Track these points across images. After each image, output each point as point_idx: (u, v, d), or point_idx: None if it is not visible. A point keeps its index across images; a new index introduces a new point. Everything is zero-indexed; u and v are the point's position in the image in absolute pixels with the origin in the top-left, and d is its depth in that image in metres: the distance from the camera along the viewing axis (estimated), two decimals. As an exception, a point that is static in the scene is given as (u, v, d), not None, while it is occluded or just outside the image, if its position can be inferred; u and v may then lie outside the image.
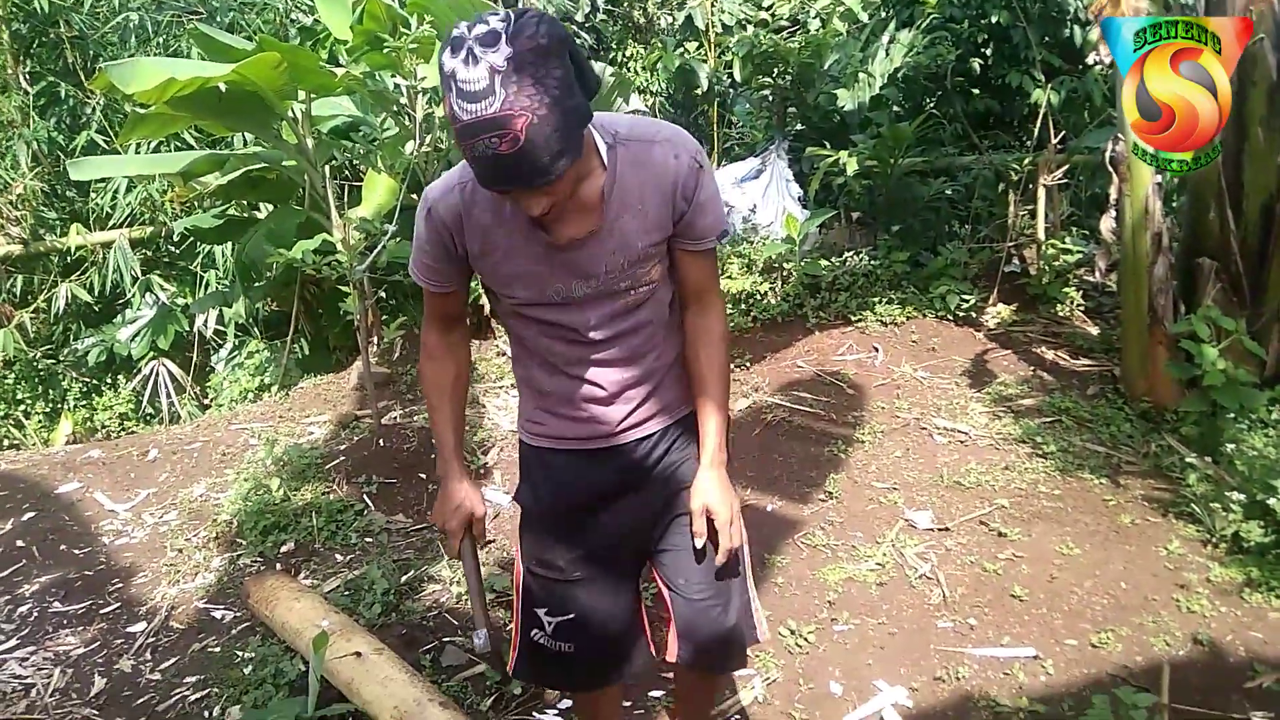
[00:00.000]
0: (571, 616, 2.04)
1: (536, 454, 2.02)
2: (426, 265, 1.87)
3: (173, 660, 3.35)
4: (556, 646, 2.07)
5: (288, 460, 4.42)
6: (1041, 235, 5.63)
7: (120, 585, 3.89)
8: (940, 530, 3.67)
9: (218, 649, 3.35)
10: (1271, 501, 3.20)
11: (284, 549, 3.93)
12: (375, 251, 4.52)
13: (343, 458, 4.53)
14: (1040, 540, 3.53)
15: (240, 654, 3.25)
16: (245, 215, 6.15)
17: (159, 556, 4.06)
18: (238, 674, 3.12)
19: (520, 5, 7.07)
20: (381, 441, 4.58)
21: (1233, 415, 3.87)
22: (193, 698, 3.12)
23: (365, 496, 4.24)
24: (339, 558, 3.84)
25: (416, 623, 3.34)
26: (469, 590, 1.98)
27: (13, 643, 3.53)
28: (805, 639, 3.12)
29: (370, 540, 3.95)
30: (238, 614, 3.56)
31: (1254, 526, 3.26)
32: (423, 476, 4.38)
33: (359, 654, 2.86)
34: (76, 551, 4.17)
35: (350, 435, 4.81)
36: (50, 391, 7.59)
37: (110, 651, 3.45)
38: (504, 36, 1.43)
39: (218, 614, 3.59)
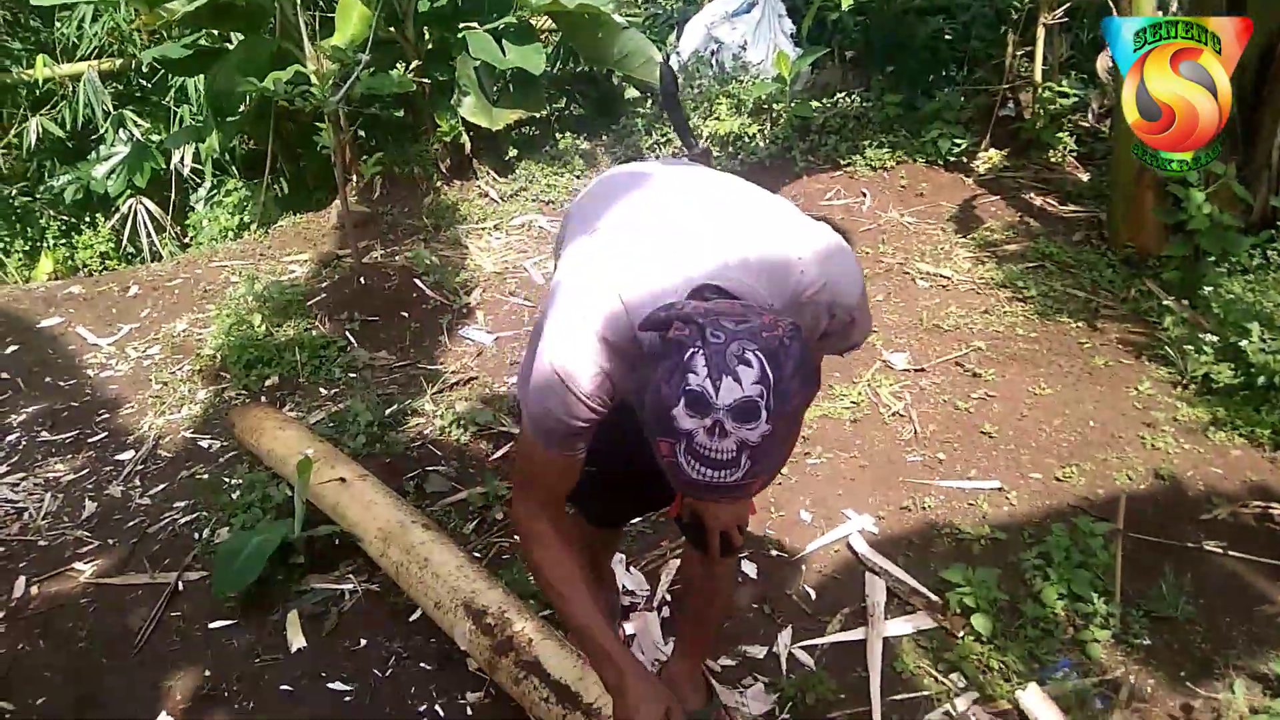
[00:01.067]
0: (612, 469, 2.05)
1: None
2: (569, 442, 1.58)
3: (161, 486, 3.43)
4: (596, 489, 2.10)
5: (269, 297, 4.41)
6: (1039, 77, 5.47)
7: (107, 416, 3.94)
8: (916, 371, 3.72)
9: (206, 476, 3.42)
10: (1244, 344, 3.23)
11: (268, 383, 3.96)
12: (349, 82, 4.37)
13: (324, 295, 4.52)
14: (1013, 381, 3.59)
15: (228, 481, 3.33)
16: (216, 46, 5.92)
17: (144, 389, 4.10)
18: (226, 499, 3.21)
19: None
20: (363, 280, 4.56)
21: (1214, 260, 3.88)
22: (182, 521, 3.21)
23: (348, 333, 4.26)
24: (323, 392, 3.89)
25: (400, 453, 3.41)
26: None
27: (3, 469, 3.61)
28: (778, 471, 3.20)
29: (354, 375, 3.99)
30: (224, 443, 3.63)
31: (1224, 368, 3.31)
32: (404, 314, 4.38)
33: (343, 480, 2.93)
34: (62, 384, 4.20)
35: (331, 273, 4.78)
36: (28, 229, 7.48)
37: (100, 478, 3.52)
38: (764, 413, 1.20)
39: (204, 443, 3.66)
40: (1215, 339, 3.41)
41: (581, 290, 1.50)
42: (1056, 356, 3.73)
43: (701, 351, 1.21)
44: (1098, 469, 3.08)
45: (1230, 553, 2.70)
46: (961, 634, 2.49)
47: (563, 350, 1.48)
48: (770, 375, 1.20)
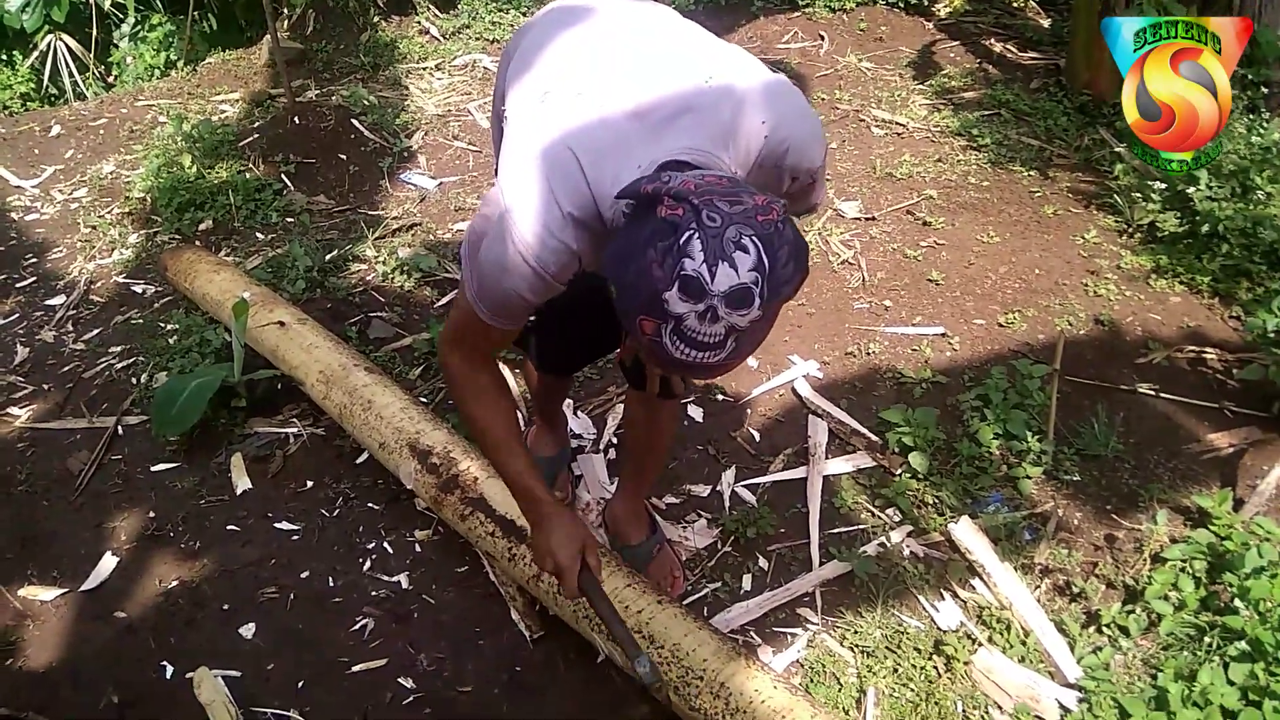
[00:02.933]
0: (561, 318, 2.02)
1: None
2: (519, 316, 1.57)
3: (95, 331, 3.34)
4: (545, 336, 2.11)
5: (199, 137, 4.20)
6: (1004, -84, 5.26)
7: (34, 260, 3.79)
8: (867, 219, 3.69)
9: (140, 321, 3.33)
10: (1191, 191, 3.24)
11: (202, 227, 3.82)
12: (277, -98, 4.06)
13: (257, 135, 4.32)
14: (963, 229, 3.58)
15: (164, 326, 3.25)
16: None
17: (72, 233, 3.94)
18: (162, 344, 3.13)
19: None
20: (297, 120, 4.35)
21: (1169, 108, 3.84)
22: (119, 366, 3.14)
23: (283, 176, 4.09)
24: (260, 236, 3.76)
25: (342, 298, 3.33)
26: (606, 624, 1.68)
27: (-73, 315, 3.47)
28: (727, 318, 3.19)
29: (291, 220, 3.85)
30: (159, 289, 3.52)
31: (1170, 216, 3.33)
32: (342, 157, 4.21)
33: (282, 323, 2.86)
34: (-16, 227, 4.02)
35: (264, 113, 4.55)
36: (-62, 68, 7.02)
37: (30, 323, 3.42)
38: (757, 299, 1.17)
39: (138, 288, 3.54)
40: (1163, 186, 3.41)
41: (546, 169, 1.42)
42: (1007, 205, 3.72)
43: (698, 235, 1.16)
44: (1040, 315, 3.12)
45: (1162, 395, 2.77)
46: (899, 472, 2.55)
47: (532, 233, 1.41)
48: (766, 262, 1.17)
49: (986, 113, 4.33)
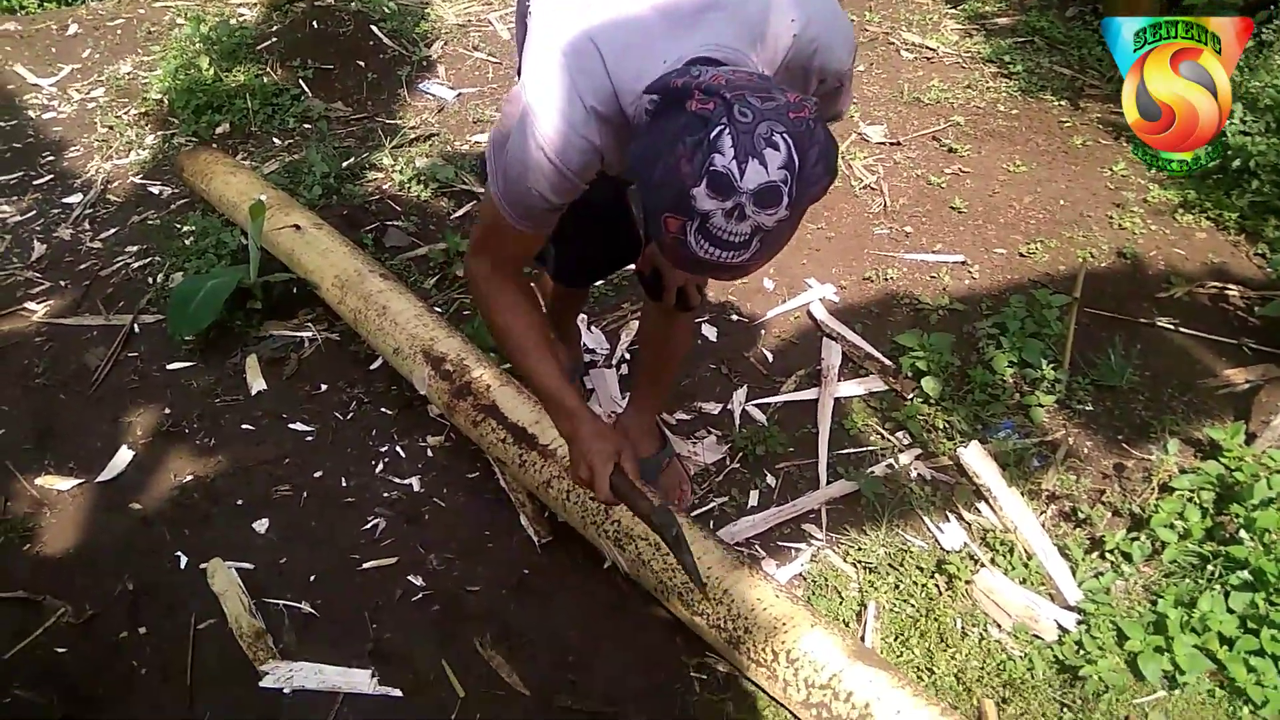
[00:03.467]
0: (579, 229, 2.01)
1: None
2: (545, 220, 1.54)
3: (112, 231, 3.34)
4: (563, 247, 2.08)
5: (217, 39, 4.13)
6: None
7: (52, 158, 3.78)
8: (892, 144, 3.63)
9: (157, 221, 3.33)
10: (1224, 124, 3.16)
11: (219, 130, 3.79)
12: None
13: (275, 39, 4.25)
14: (989, 157, 3.52)
15: (180, 227, 3.24)
16: None
17: (89, 132, 3.92)
18: (179, 244, 3.13)
19: None
20: (316, 24, 4.28)
21: (1208, 41, 3.74)
22: (135, 265, 3.15)
23: (301, 81, 4.04)
24: (276, 141, 3.73)
25: (358, 205, 3.32)
26: (644, 519, 1.69)
27: (-55, 208, 3.47)
28: (745, 239, 3.16)
29: (309, 126, 3.82)
30: (175, 190, 3.51)
31: (1201, 150, 3.25)
32: (360, 64, 4.15)
33: (298, 227, 2.86)
34: (2, 124, 4.00)
35: (283, 17, 4.47)
36: (-47, -36, 6.93)
37: (48, 220, 3.42)
38: (785, 198, 1.15)
39: (155, 189, 3.53)
40: (1197, 120, 3.33)
41: (569, 62, 1.39)
42: (1035, 134, 3.65)
43: (728, 130, 1.14)
44: (1062, 246, 3.08)
45: (1182, 330, 2.75)
46: (911, 396, 2.55)
47: (554, 128, 1.39)
48: (796, 161, 1.15)
49: (1019, 40, 4.23)
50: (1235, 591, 1.95)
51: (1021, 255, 3.06)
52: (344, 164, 3.51)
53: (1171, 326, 2.76)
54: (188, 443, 2.54)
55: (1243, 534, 2.04)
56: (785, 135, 1.14)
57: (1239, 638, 1.89)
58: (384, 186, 3.46)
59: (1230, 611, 1.94)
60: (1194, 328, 2.75)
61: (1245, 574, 1.97)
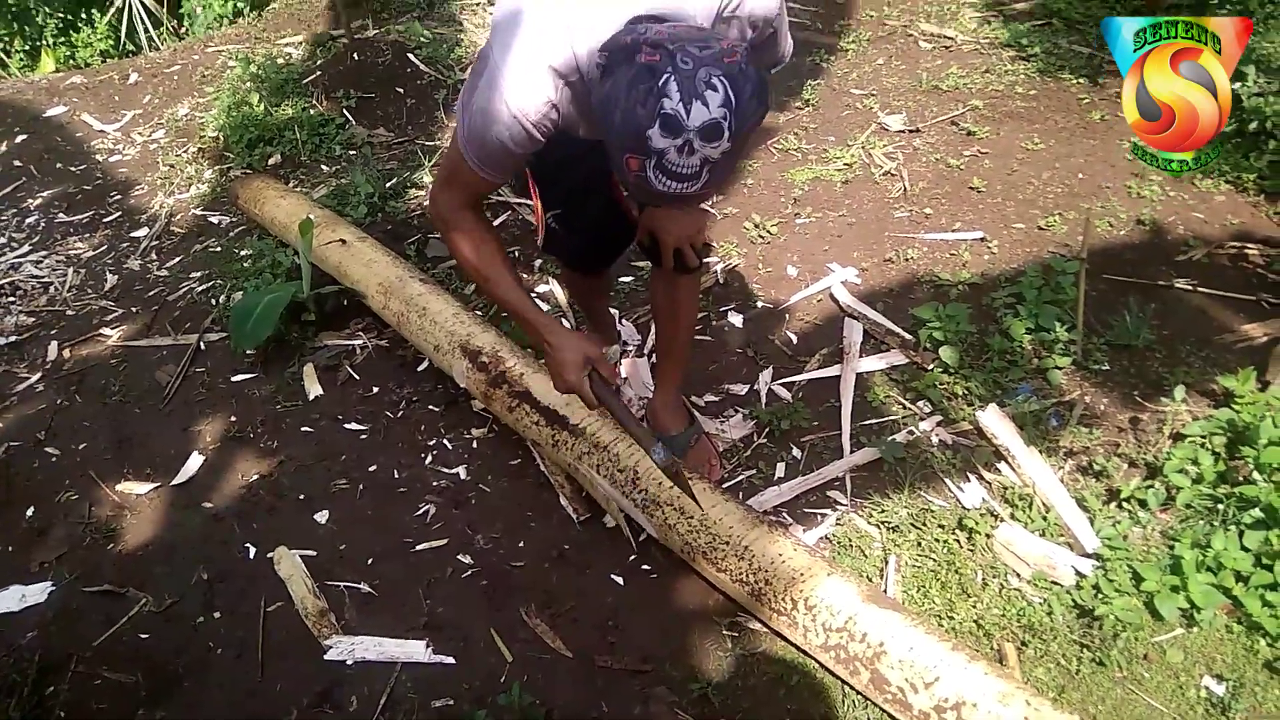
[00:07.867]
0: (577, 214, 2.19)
1: None
2: (503, 166, 1.73)
3: (177, 259, 3.58)
4: (569, 235, 2.25)
5: (265, 77, 4.40)
6: None
7: (119, 197, 4.05)
8: (911, 131, 3.71)
9: (218, 249, 3.56)
10: (1238, 86, 3.20)
11: (271, 161, 4.03)
12: None
13: (319, 74, 4.50)
14: (1007, 138, 3.58)
15: (239, 252, 3.47)
16: None
17: (152, 170, 4.19)
18: (238, 267, 3.35)
19: None
20: (356, 57, 4.52)
21: (1221, 6, 3.76)
22: (199, 289, 3.38)
23: (345, 111, 4.27)
24: (325, 168, 3.96)
25: (400, 221, 3.51)
26: (622, 424, 1.92)
27: (26, 249, 3.76)
28: (768, 231, 3.28)
29: (353, 152, 4.04)
30: (233, 219, 3.75)
31: (1218, 116, 3.29)
32: (399, 91, 4.37)
33: (344, 241, 3.05)
34: (72, 169, 4.30)
35: (325, 53, 4.73)
36: (25, 28, 7.38)
37: (118, 254, 3.67)
38: (726, 131, 1.35)
39: (215, 219, 3.78)
40: (1213, 87, 3.36)
41: (530, 23, 1.59)
42: (1053, 113, 3.71)
43: (674, 77, 1.33)
44: (1080, 217, 3.13)
45: (1200, 289, 2.79)
46: (930, 366, 2.64)
47: (516, 85, 1.58)
48: (733, 99, 1.34)
49: (1038, 23, 4.29)
50: (1249, 530, 2.00)
51: (1040, 229, 3.12)
52: (387, 184, 3.71)
53: (1189, 287, 2.80)
54: (252, 446, 2.73)
55: (1255, 475, 2.09)
56: (721, 78, 1.33)
57: (1253, 573, 1.94)
58: (424, 203, 3.65)
59: (1244, 549, 1.98)
60: (1212, 287, 2.79)
61: (1257, 512, 2.02)
